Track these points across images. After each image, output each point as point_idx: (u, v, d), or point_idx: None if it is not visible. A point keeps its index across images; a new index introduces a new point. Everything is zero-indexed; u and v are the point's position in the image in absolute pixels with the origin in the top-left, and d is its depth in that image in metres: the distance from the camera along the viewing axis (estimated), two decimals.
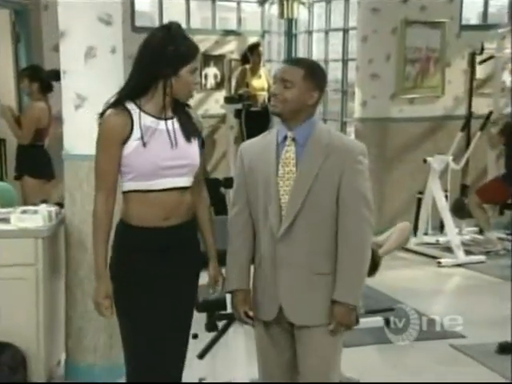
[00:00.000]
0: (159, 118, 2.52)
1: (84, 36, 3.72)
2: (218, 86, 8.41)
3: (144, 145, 2.46)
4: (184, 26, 2.61)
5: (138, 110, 2.49)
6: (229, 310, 3.37)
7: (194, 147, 2.60)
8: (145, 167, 2.49)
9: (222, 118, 8.21)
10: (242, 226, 2.66)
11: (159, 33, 2.51)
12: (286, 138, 2.58)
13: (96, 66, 3.73)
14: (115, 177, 2.54)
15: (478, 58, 7.57)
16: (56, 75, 6.28)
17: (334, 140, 2.55)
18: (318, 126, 2.59)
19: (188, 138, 2.57)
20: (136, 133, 2.48)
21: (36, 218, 3.71)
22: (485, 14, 8.04)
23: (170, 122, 2.54)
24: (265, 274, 2.61)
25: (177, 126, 2.56)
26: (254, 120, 7.63)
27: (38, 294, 3.69)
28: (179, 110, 2.59)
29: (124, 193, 2.58)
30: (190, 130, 2.59)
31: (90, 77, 3.73)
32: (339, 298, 2.52)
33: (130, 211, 2.56)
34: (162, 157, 2.49)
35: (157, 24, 8.19)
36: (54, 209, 3.88)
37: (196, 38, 2.65)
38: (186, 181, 2.58)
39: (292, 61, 2.68)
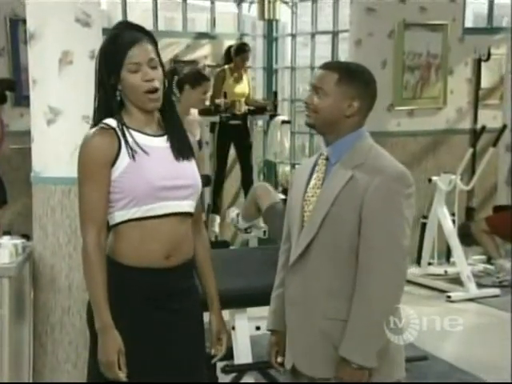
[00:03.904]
0: (147, 134, 2.44)
1: (58, 39, 3.66)
2: None
3: (135, 160, 2.37)
4: (151, 28, 2.50)
5: (122, 127, 2.41)
6: (237, 360, 3.28)
7: (192, 167, 2.52)
8: (140, 188, 2.38)
9: None
10: (283, 260, 2.63)
11: (107, 37, 2.47)
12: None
13: (72, 74, 3.67)
14: (106, 207, 2.42)
15: (484, 65, 7.61)
16: (10, 85, 6.18)
17: (368, 160, 2.43)
18: (359, 143, 2.48)
19: (180, 158, 2.48)
20: (125, 151, 2.39)
21: (1, 253, 3.53)
22: (490, 15, 8.10)
23: (159, 139, 2.46)
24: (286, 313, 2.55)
25: (167, 144, 2.48)
26: (229, 135, 7.48)
27: (2, 345, 3.51)
28: (171, 126, 2.51)
29: (114, 225, 2.45)
30: (182, 148, 2.50)
31: (65, 87, 3.67)
32: (343, 352, 2.36)
33: (123, 247, 2.43)
34: (157, 175, 2.40)
35: None
36: (20, 241, 3.73)
37: (163, 42, 2.55)
38: (188, 205, 2.49)
39: (325, 65, 2.56)
